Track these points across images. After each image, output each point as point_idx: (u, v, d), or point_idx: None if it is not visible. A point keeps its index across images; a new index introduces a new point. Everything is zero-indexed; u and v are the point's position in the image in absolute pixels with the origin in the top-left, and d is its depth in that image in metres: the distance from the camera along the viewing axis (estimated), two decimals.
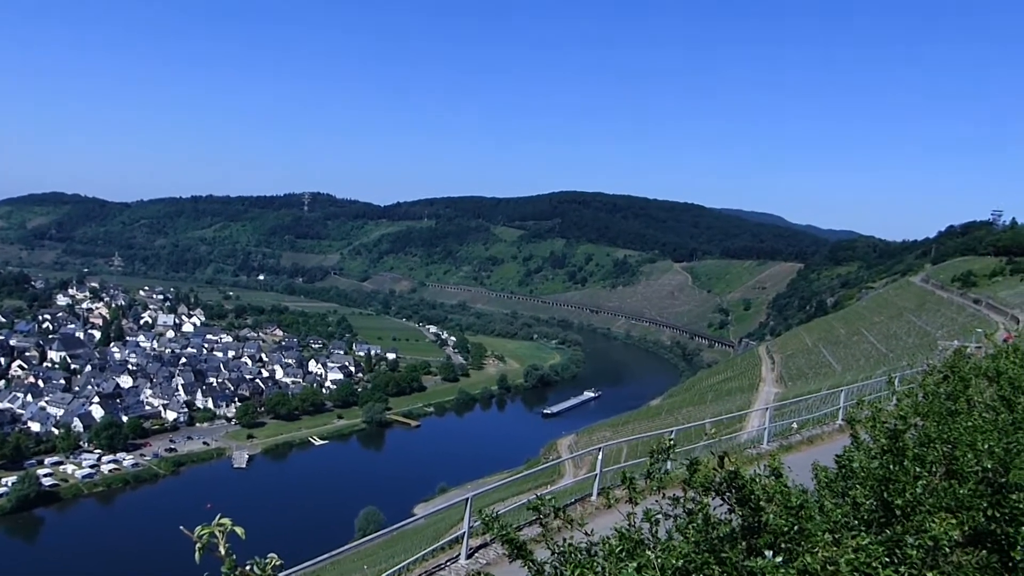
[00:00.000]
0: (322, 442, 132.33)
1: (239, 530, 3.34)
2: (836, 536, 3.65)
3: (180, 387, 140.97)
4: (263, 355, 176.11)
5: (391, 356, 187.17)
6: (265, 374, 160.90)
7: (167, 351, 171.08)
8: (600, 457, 18.60)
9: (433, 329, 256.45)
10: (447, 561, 11.83)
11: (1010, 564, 3.40)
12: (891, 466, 3.98)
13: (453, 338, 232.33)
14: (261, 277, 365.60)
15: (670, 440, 4.15)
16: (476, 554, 11.93)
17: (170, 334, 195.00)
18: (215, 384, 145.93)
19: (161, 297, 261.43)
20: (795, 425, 24.18)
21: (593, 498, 15.45)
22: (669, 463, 4.34)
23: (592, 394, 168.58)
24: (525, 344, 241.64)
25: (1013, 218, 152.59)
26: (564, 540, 3.64)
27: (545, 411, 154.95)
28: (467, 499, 12.72)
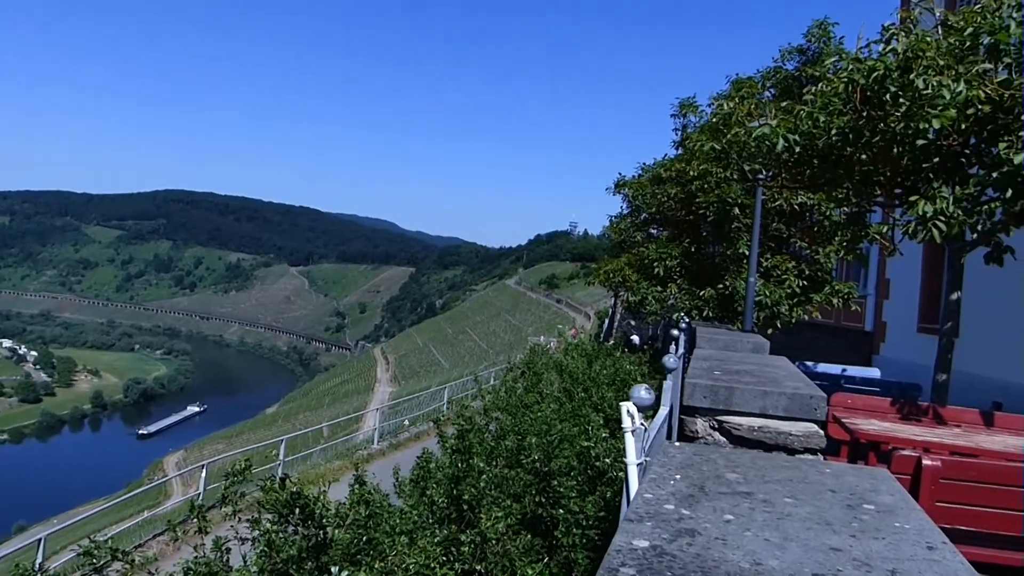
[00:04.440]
0: None
1: None
2: (413, 538, 3.81)
3: None
4: None
5: None
6: None
7: None
8: (204, 474, 17.45)
9: (7, 343, 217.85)
10: None
11: (554, 543, 3.86)
12: (459, 464, 4.31)
13: (34, 352, 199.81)
14: None
15: (246, 461, 3.97)
16: None
17: None
18: None
19: None
20: (407, 423, 25.28)
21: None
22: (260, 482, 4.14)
23: (197, 408, 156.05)
24: (125, 356, 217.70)
25: (586, 229, 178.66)
26: None
27: (141, 431, 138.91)
28: (40, 539, 11.11)
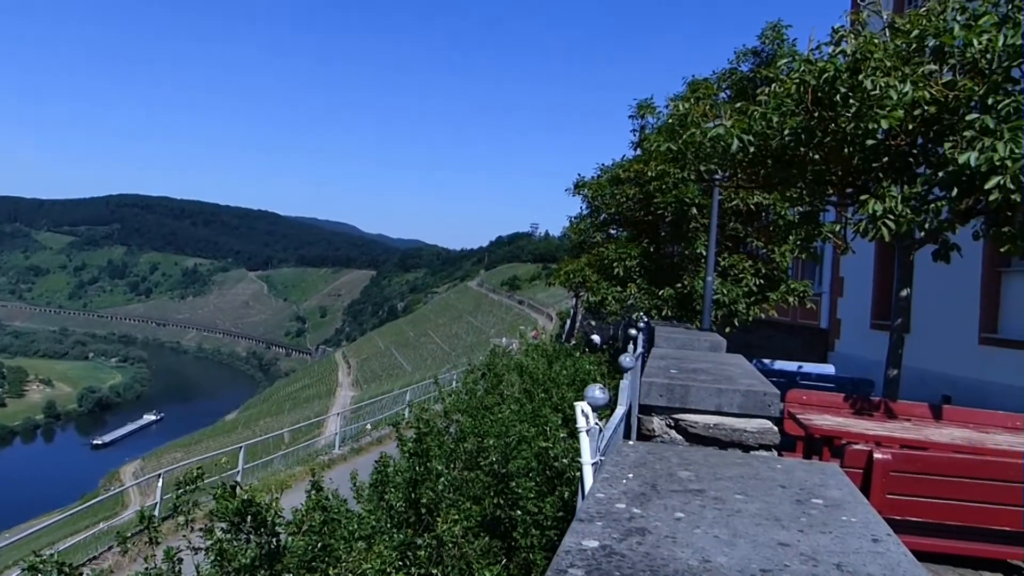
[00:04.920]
0: None
1: None
2: (371, 543, 3.77)
3: None
4: None
5: None
6: None
7: None
8: (161, 484, 17.13)
9: None
10: None
11: (513, 545, 3.85)
12: (417, 467, 4.28)
13: None
14: None
15: (198, 470, 3.89)
16: None
17: None
18: None
19: None
20: (369, 427, 25.10)
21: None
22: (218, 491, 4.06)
23: (153, 417, 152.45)
24: (79, 364, 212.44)
25: (547, 230, 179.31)
26: None
27: (95, 441, 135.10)
28: None
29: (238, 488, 3.48)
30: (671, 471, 2.20)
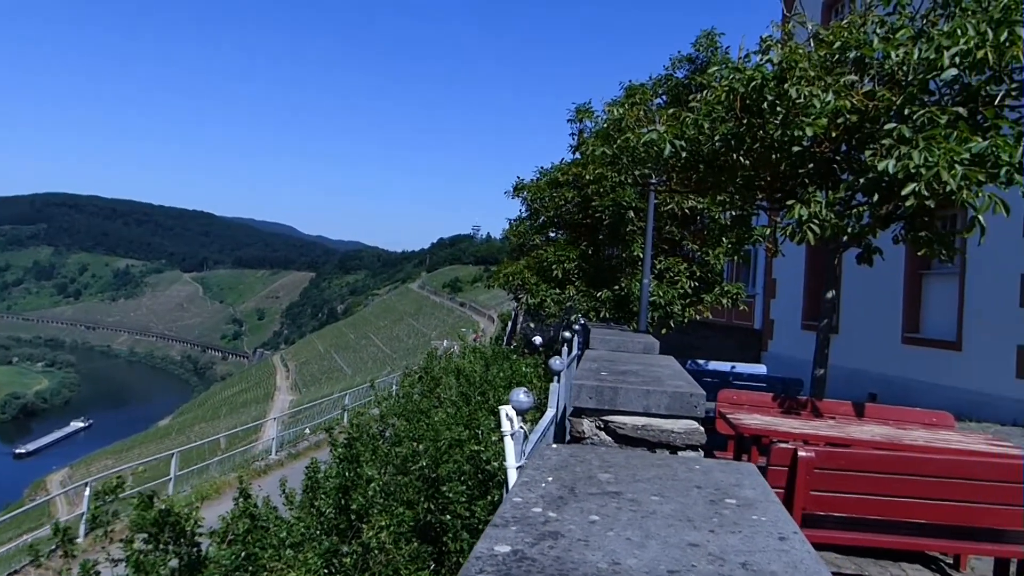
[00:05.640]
0: None
1: None
2: (299, 550, 3.72)
3: None
4: None
5: None
6: None
7: None
8: (88, 493, 16.59)
9: None
10: None
11: (444, 549, 3.85)
12: (347, 473, 4.24)
13: None
14: None
15: (118, 479, 3.78)
16: None
17: None
18: None
19: None
20: (307, 431, 24.74)
21: (80, 539, 13.68)
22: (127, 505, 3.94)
23: (81, 424, 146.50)
24: (2, 369, 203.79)
25: (488, 232, 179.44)
26: None
27: (18, 450, 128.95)
28: None
29: (155, 498, 3.38)
30: (591, 473, 2.23)
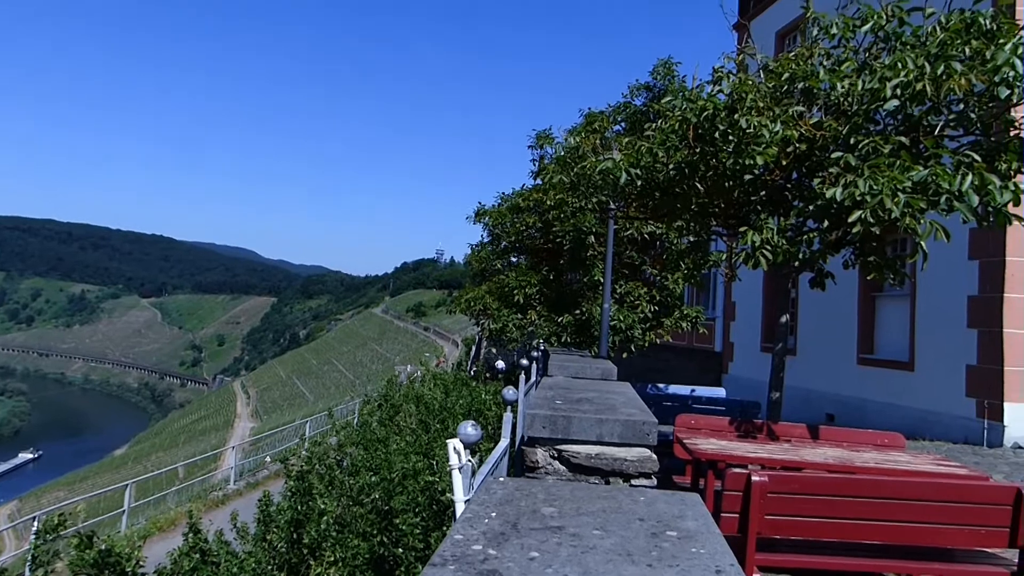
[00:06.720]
0: None
1: None
2: None
3: None
4: None
5: None
6: None
7: None
8: (36, 526, 16.07)
9: None
10: None
11: None
12: (299, 505, 4.19)
13: None
14: None
15: (60, 517, 3.69)
16: None
17: None
18: None
19: None
20: (268, 459, 24.30)
21: None
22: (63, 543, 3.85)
23: (30, 455, 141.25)
24: None
25: (452, 256, 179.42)
26: None
27: None
28: None
29: (95, 537, 3.31)
30: (535, 508, 2.24)
